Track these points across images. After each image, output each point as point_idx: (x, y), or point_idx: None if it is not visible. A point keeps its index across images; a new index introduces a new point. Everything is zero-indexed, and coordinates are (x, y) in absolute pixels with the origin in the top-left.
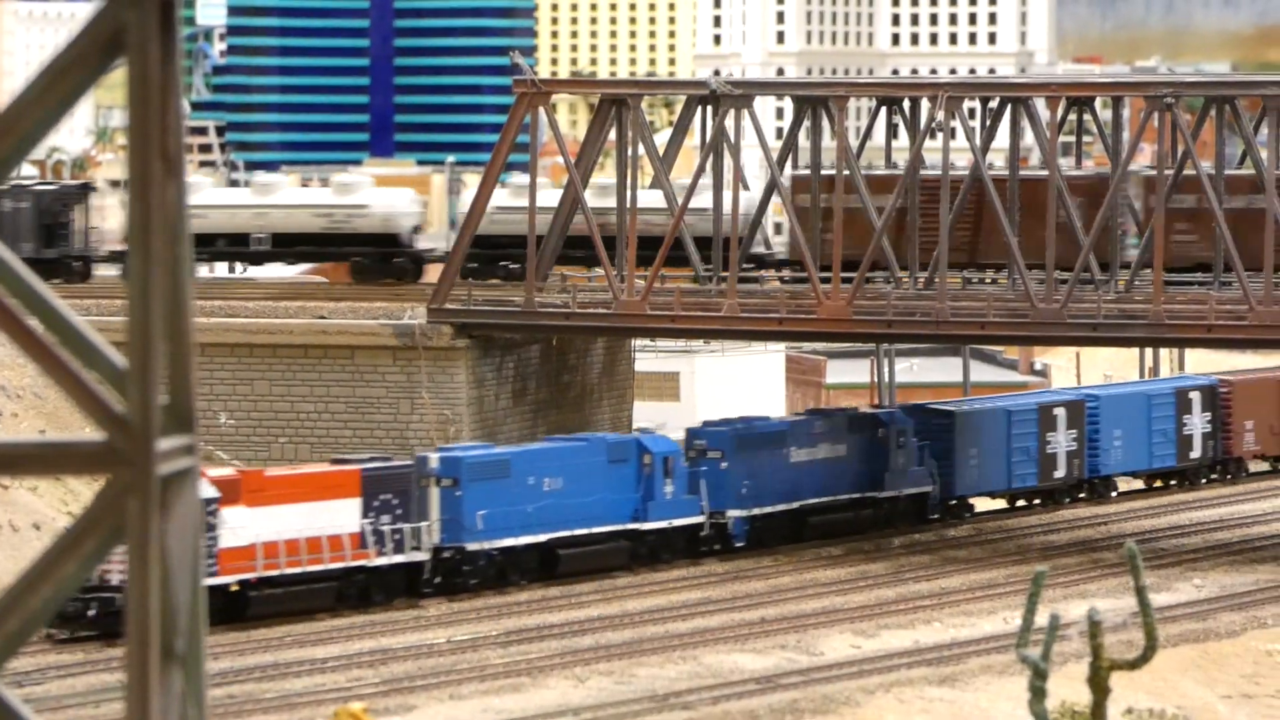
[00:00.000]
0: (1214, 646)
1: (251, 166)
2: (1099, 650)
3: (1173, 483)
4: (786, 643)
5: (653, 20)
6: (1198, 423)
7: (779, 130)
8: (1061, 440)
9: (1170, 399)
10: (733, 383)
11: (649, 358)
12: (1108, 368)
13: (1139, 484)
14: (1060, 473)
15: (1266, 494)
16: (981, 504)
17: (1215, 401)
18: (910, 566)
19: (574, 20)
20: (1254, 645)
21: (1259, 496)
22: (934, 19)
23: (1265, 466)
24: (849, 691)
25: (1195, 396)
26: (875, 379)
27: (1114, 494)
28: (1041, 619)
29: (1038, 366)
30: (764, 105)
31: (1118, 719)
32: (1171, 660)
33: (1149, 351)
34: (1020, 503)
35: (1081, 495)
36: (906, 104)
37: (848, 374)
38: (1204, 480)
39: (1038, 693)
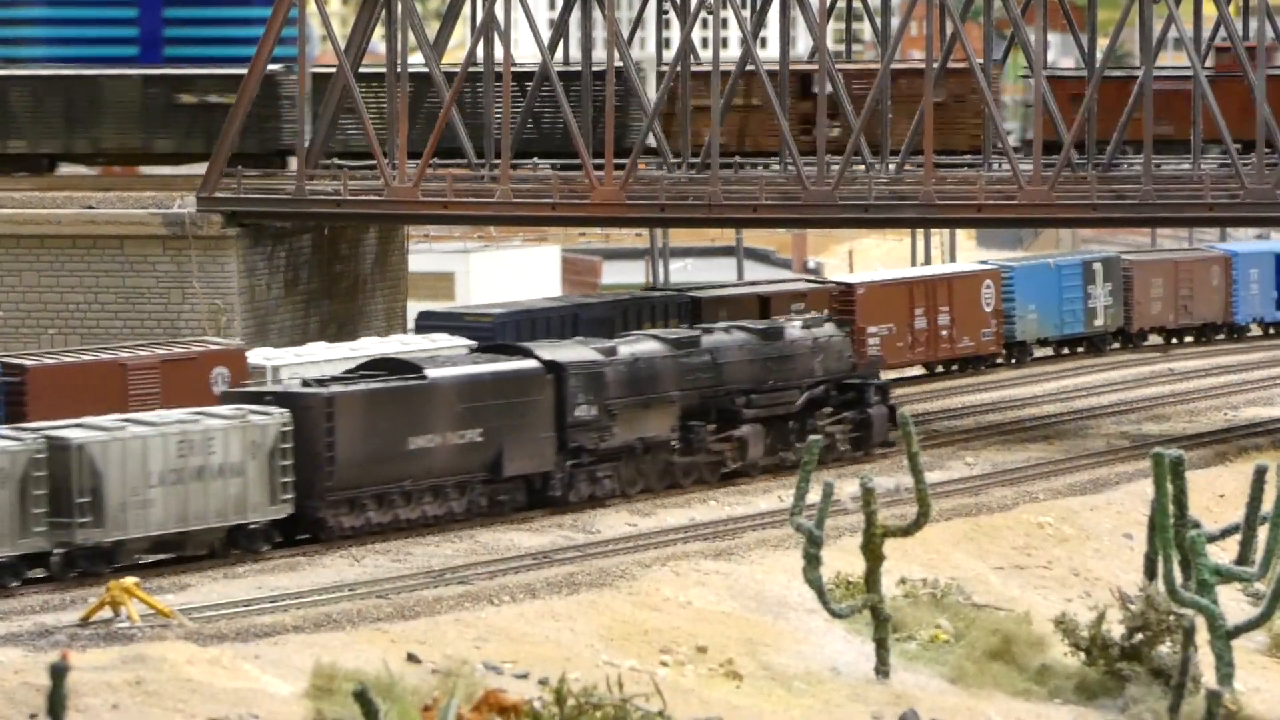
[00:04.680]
0: (986, 520)
1: None
2: (872, 517)
3: None
4: (564, 523)
5: None
6: None
7: (550, 20)
8: None
9: None
10: (507, 283)
11: (424, 254)
12: (881, 265)
13: None
14: None
15: (1041, 378)
16: None
17: None
18: None
19: None
20: (1025, 519)
21: (1035, 380)
22: None
23: None
24: (625, 565)
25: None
26: (650, 279)
27: None
28: (816, 494)
29: (811, 265)
30: None
31: (892, 589)
32: (945, 533)
33: (920, 245)
34: None
35: None
36: None
37: (623, 275)
38: None
39: (812, 560)
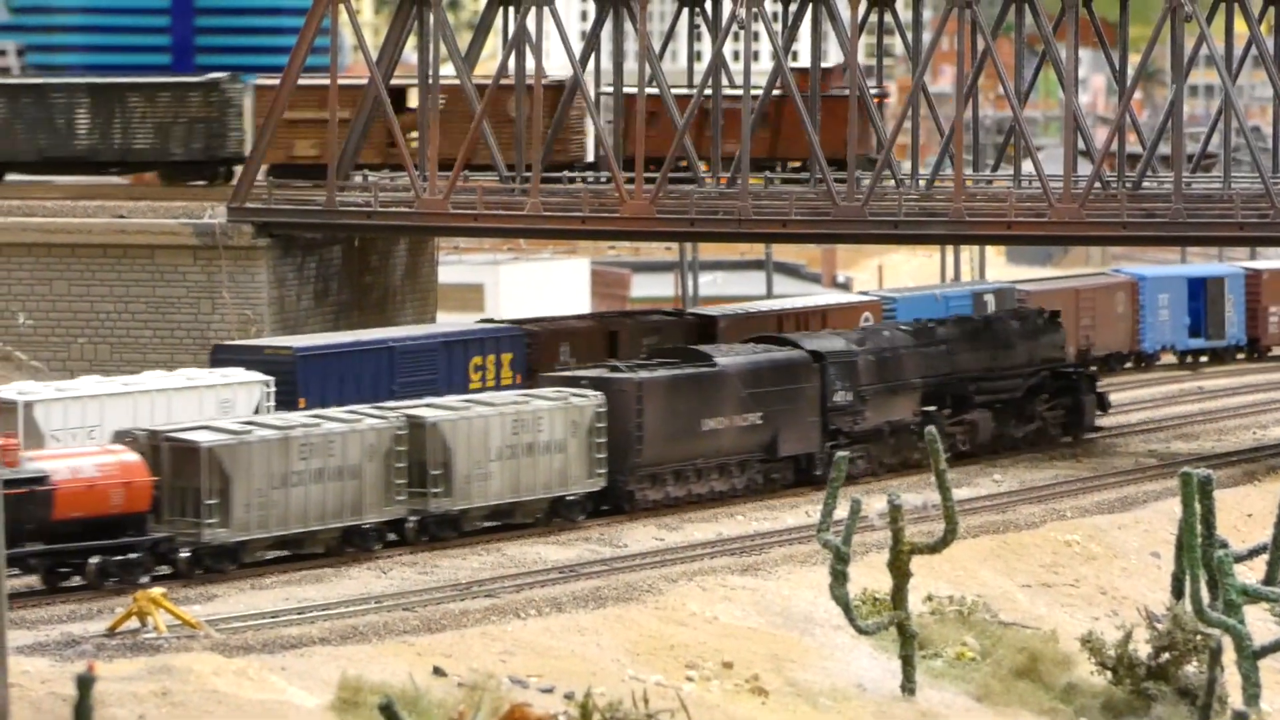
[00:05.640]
0: (1014, 537)
1: None
2: (899, 534)
3: None
4: (590, 536)
5: None
6: None
7: (583, 33)
8: None
9: None
10: (537, 295)
11: (453, 266)
12: (910, 280)
13: None
14: None
15: None
16: None
17: None
18: None
19: None
20: (1052, 536)
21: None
22: None
23: None
24: (652, 580)
25: None
26: (680, 291)
27: None
28: (844, 510)
29: (841, 279)
30: (569, 9)
31: (918, 606)
32: (972, 550)
33: (950, 261)
34: None
35: None
36: (708, 4)
37: (653, 287)
38: None
39: (839, 576)
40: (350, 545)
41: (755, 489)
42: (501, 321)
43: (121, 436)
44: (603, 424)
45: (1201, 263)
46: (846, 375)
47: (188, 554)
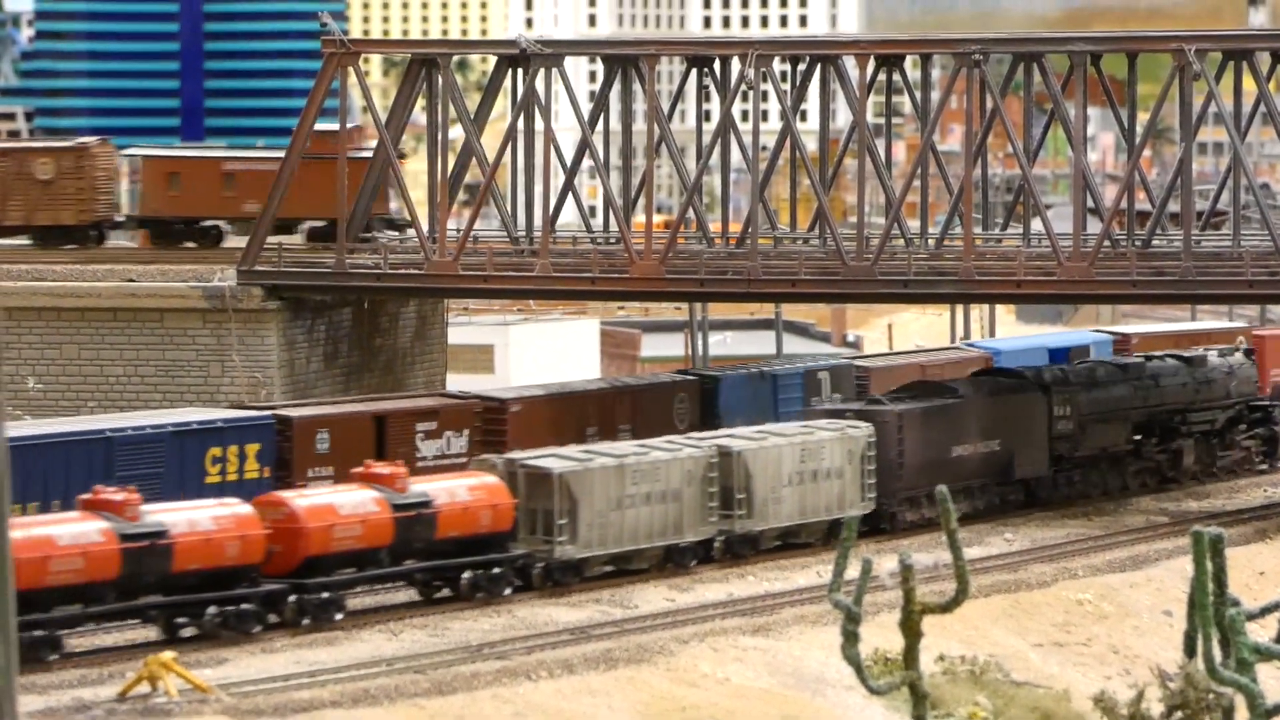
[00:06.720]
0: (1025, 596)
1: None
2: (911, 594)
3: None
4: (601, 597)
5: (464, 4)
6: None
7: (591, 94)
8: None
9: None
10: (547, 356)
11: (463, 327)
12: (920, 339)
13: None
14: None
15: None
16: None
17: None
18: None
19: (385, 3)
20: (1064, 595)
21: None
22: (745, 2)
23: None
24: (663, 641)
25: None
26: (690, 351)
27: None
28: (855, 571)
29: (850, 338)
30: (578, 71)
31: (930, 666)
32: (984, 609)
33: (959, 320)
34: None
35: None
36: (717, 65)
37: (663, 347)
38: None
39: (850, 637)
40: (669, 561)
41: (992, 510)
42: (252, 406)
43: (482, 463)
44: (873, 452)
45: (1068, 330)
46: (1069, 405)
47: (540, 569)
